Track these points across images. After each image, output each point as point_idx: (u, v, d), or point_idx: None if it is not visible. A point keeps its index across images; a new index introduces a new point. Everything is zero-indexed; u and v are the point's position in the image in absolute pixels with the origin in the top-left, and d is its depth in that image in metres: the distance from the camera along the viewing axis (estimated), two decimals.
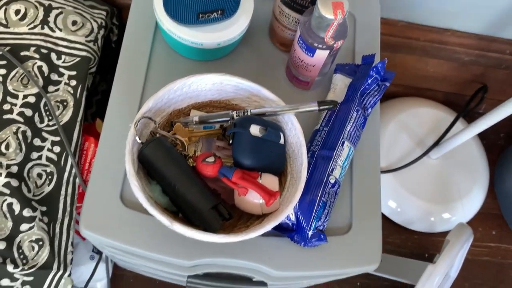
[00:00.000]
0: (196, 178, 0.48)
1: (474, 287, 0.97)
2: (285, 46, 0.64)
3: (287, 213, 0.48)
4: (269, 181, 0.49)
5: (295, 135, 0.52)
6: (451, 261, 0.66)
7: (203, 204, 0.47)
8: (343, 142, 0.56)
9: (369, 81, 0.59)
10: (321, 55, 0.54)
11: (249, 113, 0.52)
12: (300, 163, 0.51)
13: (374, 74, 0.59)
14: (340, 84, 0.62)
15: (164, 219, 0.44)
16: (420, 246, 0.97)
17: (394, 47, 0.89)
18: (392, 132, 0.97)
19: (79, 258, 0.73)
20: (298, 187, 0.49)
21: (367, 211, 0.58)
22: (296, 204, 0.52)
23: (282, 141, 0.52)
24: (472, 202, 0.97)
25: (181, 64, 0.61)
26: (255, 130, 0.50)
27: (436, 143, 0.94)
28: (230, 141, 0.51)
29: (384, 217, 0.97)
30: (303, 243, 0.53)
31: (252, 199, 0.49)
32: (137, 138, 0.48)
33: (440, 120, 0.99)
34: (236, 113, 0.52)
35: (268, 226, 0.47)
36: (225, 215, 0.47)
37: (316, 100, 0.52)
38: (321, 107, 0.51)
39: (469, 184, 0.96)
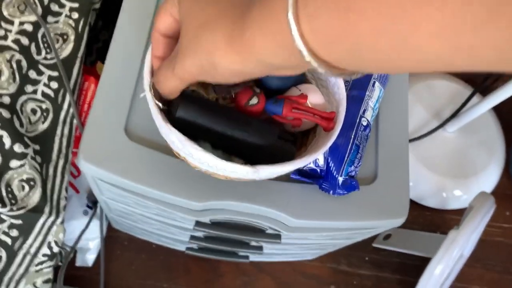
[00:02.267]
0: (245, 115, 0.42)
1: (486, 267, 0.92)
2: None
3: (343, 111, 0.42)
4: (315, 97, 0.44)
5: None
6: (475, 227, 0.62)
7: (268, 137, 0.40)
8: (374, 82, 0.51)
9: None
10: None
11: None
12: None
13: None
14: None
15: (246, 168, 0.37)
16: (432, 223, 0.92)
17: None
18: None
19: (72, 212, 0.67)
20: (335, 82, 0.44)
21: (394, 160, 0.53)
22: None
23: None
24: (487, 180, 0.93)
25: None
26: None
27: (453, 115, 0.89)
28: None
29: None
30: (332, 191, 0.48)
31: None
32: (159, 104, 0.41)
33: (457, 93, 0.95)
34: None
35: (335, 131, 0.41)
36: (290, 138, 0.41)
37: None
38: None
39: (485, 162, 0.92)
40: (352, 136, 0.48)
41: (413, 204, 0.92)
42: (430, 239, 0.77)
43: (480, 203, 0.63)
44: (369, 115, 0.50)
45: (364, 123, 0.49)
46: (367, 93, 0.50)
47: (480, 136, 0.94)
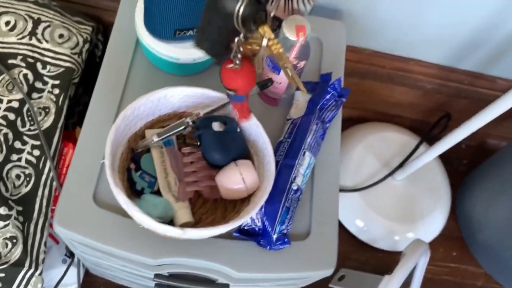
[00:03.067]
0: None
1: None
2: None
3: (271, 184, 0.53)
4: (249, 172, 0.53)
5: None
6: (406, 272, 0.70)
7: None
8: (304, 152, 0.60)
9: (327, 97, 0.65)
10: None
11: (201, 114, 0.56)
12: (263, 141, 0.56)
13: (331, 91, 0.65)
14: (301, 100, 0.67)
15: (175, 230, 0.47)
16: (384, 264, 1.01)
17: (362, 74, 0.95)
18: (360, 154, 1.02)
19: (52, 261, 0.75)
20: (269, 159, 0.55)
21: (325, 219, 0.62)
22: (262, 209, 0.57)
23: (238, 129, 0.57)
24: (433, 223, 1.02)
25: (158, 78, 0.66)
26: (217, 126, 0.55)
27: (401, 165, 0.99)
28: (198, 143, 0.56)
29: (350, 235, 1.01)
30: (268, 246, 0.57)
31: (236, 186, 0.53)
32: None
33: (406, 144, 1.05)
34: (190, 118, 0.56)
35: (262, 199, 0.51)
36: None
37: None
38: (260, 85, 0.59)
39: (431, 206, 1.01)
40: (283, 200, 0.57)
41: (366, 247, 1.01)
42: (377, 280, 0.85)
43: (412, 251, 0.72)
44: (299, 180, 0.59)
45: (295, 188, 0.58)
46: (297, 162, 0.60)
47: (427, 183, 1.04)
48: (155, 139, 0.56)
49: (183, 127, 0.57)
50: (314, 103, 0.64)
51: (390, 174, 0.98)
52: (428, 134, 1.06)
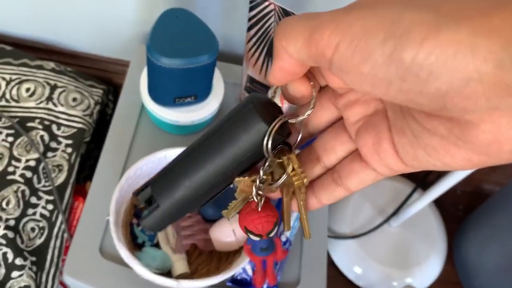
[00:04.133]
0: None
1: None
2: None
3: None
4: (237, 220, 0.58)
5: None
6: None
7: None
8: None
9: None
10: None
11: None
12: None
13: None
14: None
15: (170, 282, 0.52)
16: None
17: None
18: (356, 201, 1.07)
19: None
20: None
21: (315, 267, 0.66)
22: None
23: (232, 184, 0.61)
24: (430, 268, 1.05)
25: (161, 137, 0.73)
26: None
27: (395, 212, 1.03)
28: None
29: (348, 282, 1.04)
30: None
31: (227, 238, 0.58)
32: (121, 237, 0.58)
33: (400, 191, 1.10)
34: None
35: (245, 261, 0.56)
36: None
37: None
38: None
39: (427, 251, 1.05)
40: None
41: None
42: None
43: None
44: (288, 232, 0.64)
45: (283, 239, 0.63)
46: None
47: (422, 229, 1.07)
48: None
49: None
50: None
51: (385, 221, 1.02)
52: (423, 181, 1.10)
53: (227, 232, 0.59)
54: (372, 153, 0.24)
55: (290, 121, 0.25)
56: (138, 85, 0.75)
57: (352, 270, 1.03)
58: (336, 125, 0.27)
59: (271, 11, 0.57)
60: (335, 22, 0.19)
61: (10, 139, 0.74)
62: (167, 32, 0.60)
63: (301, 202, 0.26)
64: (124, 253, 0.53)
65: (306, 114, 0.25)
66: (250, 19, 0.60)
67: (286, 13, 0.56)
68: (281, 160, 0.25)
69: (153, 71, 0.62)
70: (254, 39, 0.61)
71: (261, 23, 0.59)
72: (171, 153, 0.64)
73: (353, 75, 0.19)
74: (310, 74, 0.25)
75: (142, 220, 0.29)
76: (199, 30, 0.61)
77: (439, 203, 1.14)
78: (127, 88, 0.77)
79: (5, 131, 0.75)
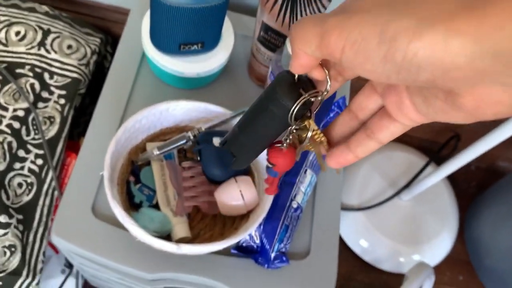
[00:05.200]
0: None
1: None
2: (262, 81, 0.69)
3: (270, 202, 0.52)
4: (248, 189, 0.53)
5: None
6: None
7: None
8: (306, 170, 0.59)
9: (331, 115, 0.64)
10: None
11: (202, 129, 0.56)
12: (263, 158, 0.55)
13: (335, 109, 0.64)
14: None
15: (169, 245, 0.46)
16: (388, 286, 0.99)
17: None
18: (366, 173, 1.01)
19: (51, 271, 0.75)
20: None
21: (326, 239, 0.61)
22: (261, 226, 0.56)
23: None
24: (440, 245, 1.00)
25: (162, 90, 0.66)
26: (217, 141, 0.55)
27: (407, 185, 0.97)
28: (198, 158, 0.55)
29: (354, 256, 0.99)
30: (266, 264, 0.56)
31: (235, 202, 0.53)
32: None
33: (413, 164, 1.04)
34: (191, 132, 0.56)
35: (261, 216, 0.51)
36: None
37: None
38: None
39: (438, 228, 0.99)
40: (282, 217, 0.56)
41: (370, 268, 0.99)
42: None
43: (415, 275, 0.71)
44: (299, 198, 0.58)
45: (295, 206, 0.58)
46: (298, 179, 0.59)
47: (434, 204, 1.02)
48: (156, 152, 0.56)
49: (184, 141, 0.56)
50: (317, 121, 0.63)
51: (397, 194, 0.97)
52: (437, 155, 1.04)
53: (234, 195, 0.53)
54: (396, 109, 0.29)
55: (312, 99, 0.30)
56: (138, 33, 0.68)
57: (358, 243, 0.98)
58: (367, 86, 0.32)
59: None
60: (339, 28, 0.24)
61: None
62: None
63: (318, 149, 0.35)
64: (119, 212, 0.47)
65: (324, 94, 0.30)
66: None
67: None
68: (304, 124, 0.32)
69: (158, 11, 0.55)
70: None
71: None
72: (174, 106, 0.57)
73: (359, 71, 0.24)
74: (325, 61, 0.30)
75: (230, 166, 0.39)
76: None
77: (451, 178, 1.09)
78: (126, 37, 0.70)
79: None
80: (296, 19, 0.56)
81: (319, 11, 0.54)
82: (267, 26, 0.60)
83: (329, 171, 0.65)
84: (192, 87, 0.67)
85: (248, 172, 0.58)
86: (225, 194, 0.54)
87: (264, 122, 0.33)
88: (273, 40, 0.61)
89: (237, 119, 0.57)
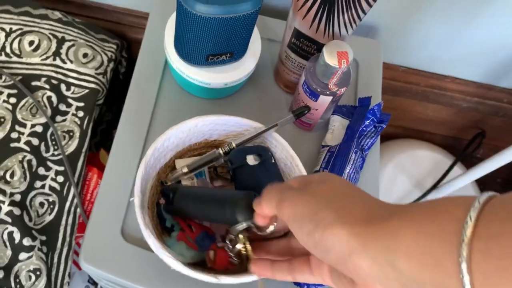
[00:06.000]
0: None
1: None
2: (289, 88, 0.66)
3: None
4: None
5: (282, 150, 0.54)
6: None
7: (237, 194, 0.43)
8: None
9: (366, 122, 0.61)
10: (324, 100, 0.56)
11: (233, 145, 0.53)
12: (299, 173, 0.52)
13: (370, 116, 0.61)
14: (337, 125, 0.63)
15: (208, 277, 0.43)
16: None
17: (395, 91, 0.91)
18: (390, 173, 0.98)
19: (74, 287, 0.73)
20: None
21: None
22: None
23: (273, 160, 0.53)
24: None
25: (188, 101, 0.63)
26: (251, 160, 0.51)
27: (434, 186, 0.95)
28: (231, 178, 0.52)
29: None
30: (306, 286, 0.54)
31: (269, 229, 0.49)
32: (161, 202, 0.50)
33: (438, 162, 1.01)
34: (222, 149, 0.53)
35: None
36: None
37: (290, 111, 0.54)
38: (296, 113, 0.55)
39: None
40: None
41: None
42: None
43: None
44: None
45: None
46: None
47: None
48: (185, 170, 0.53)
49: (215, 158, 0.53)
50: (353, 130, 0.60)
51: (424, 196, 0.94)
52: (462, 153, 1.01)
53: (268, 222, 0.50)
54: (316, 268, 0.35)
55: (257, 232, 0.39)
56: (159, 39, 0.64)
57: None
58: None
59: None
60: (290, 200, 0.33)
61: (13, 100, 0.64)
62: None
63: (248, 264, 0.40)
64: (153, 243, 0.44)
65: (268, 231, 0.38)
66: None
67: None
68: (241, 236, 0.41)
69: (185, 21, 0.51)
70: None
71: None
72: (202, 121, 0.54)
73: (295, 233, 0.32)
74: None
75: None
76: None
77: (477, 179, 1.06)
78: (147, 44, 0.66)
79: (7, 91, 0.65)
80: (333, 26, 0.53)
81: (358, 17, 0.51)
82: (300, 33, 0.56)
83: (365, 180, 0.62)
84: (219, 97, 0.64)
85: None
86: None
87: (214, 210, 0.43)
88: (306, 47, 0.57)
89: (269, 132, 0.54)
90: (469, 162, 1.03)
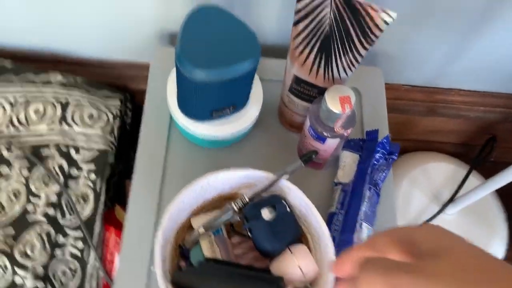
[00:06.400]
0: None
1: None
2: (295, 127, 0.66)
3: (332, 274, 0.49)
4: (306, 260, 0.50)
5: (295, 196, 0.54)
6: None
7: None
8: (361, 224, 0.56)
9: (377, 156, 0.61)
10: (332, 142, 0.56)
11: (246, 199, 0.53)
12: (316, 220, 0.52)
13: (380, 150, 0.61)
14: (348, 161, 0.63)
15: None
16: None
17: (400, 110, 0.90)
18: (405, 190, 0.97)
19: None
20: (326, 243, 0.50)
21: None
22: None
23: (288, 208, 0.53)
24: None
25: (196, 153, 0.63)
26: (266, 214, 0.51)
27: (451, 199, 0.94)
28: (249, 235, 0.52)
29: None
30: None
31: (293, 275, 0.50)
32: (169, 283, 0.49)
33: (452, 172, 1.00)
34: (235, 204, 0.53)
35: None
36: None
37: (298, 157, 0.54)
38: (304, 159, 0.54)
39: (486, 240, 0.96)
40: None
41: None
42: None
43: None
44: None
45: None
46: (355, 236, 0.56)
47: (480, 215, 0.98)
48: (202, 231, 0.53)
49: (229, 214, 0.53)
50: (364, 166, 0.60)
51: (442, 210, 0.93)
52: (476, 160, 1.00)
53: (292, 268, 0.50)
54: None
55: None
56: (162, 94, 0.65)
57: None
58: None
59: (325, 0, 0.46)
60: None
61: (25, 172, 0.65)
62: (198, 36, 0.49)
63: None
64: None
65: None
66: (298, 12, 0.49)
67: (347, 3, 0.45)
68: None
69: (186, 85, 0.52)
70: (303, 34, 0.50)
71: (312, 16, 0.48)
72: (213, 178, 0.54)
73: None
74: None
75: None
76: (235, 29, 0.51)
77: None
78: (150, 99, 0.67)
79: (18, 164, 0.66)
80: (332, 71, 0.53)
81: (356, 60, 0.51)
82: (299, 79, 0.56)
83: (382, 213, 0.62)
84: (227, 145, 0.64)
85: (300, 235, 0.55)
86: (282, 268, 0.51)
87: None
88: (307, 91, 0.58)
89: (282, 181, 0.54)
90: (483, 168, 1.02)
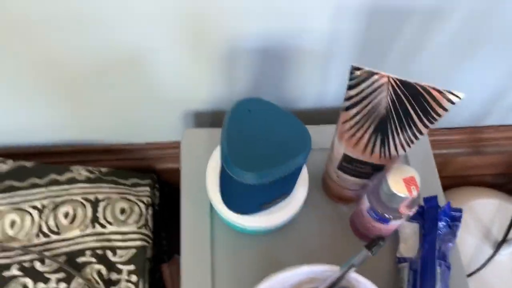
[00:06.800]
0: None
1: None
2: (344, 200, 0.62)
3: None
4: None
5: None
6: None
7: None
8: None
9: (440, 225, 0.56)
10: (396, 223, 0.52)
11: None
12: None
13: (443, 217, 0.56)
14: (409, 232, 0.58)
15: None
16: None
17: (436, 151, 0.86)
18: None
19: None
20: None
21: None
22: None
23: None
24: None
25: (244, 241, 0.59)
26: None
27: (505, 239, 0.88)
28: None
29: None
30: None
31: None
32: None
33: (500, 207, 0.95)
34: None
35: None
36: None
37: (363, 245, 0.49)
38: (371, 248, 0.49)
39: None
40: None
41: None
42: None
43: None
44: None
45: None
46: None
47: None
48: None
49: None
50: (431, 239, 0.55)
51: (496, 252, 0.88)
52: None
53: None
54: None
55: None
56: (197, 180, 0.61)
57: None
58: None
59: (381, 85, 0.42)
60: None
61: (63, 285, 0.60)
62: (244, 132, 0.45)
63: None
64: None
65: None
66: (349, 98, 0.45)
67: (404, 85, 0.41)
68: None
69: (234, 185, 0.47)
70: (357, 118, 0.47)
71: (367, 100, 0.44)
72: (274, 279, 0.50)
73: None
74: None
75: None
76: (281, 122, 0.47)
77: None
78: (186, 185, 0.62)
79: (54, 276, 0.61)
80: (389, 150, 0.49)
81: (416, 137, 0.47)
82: (351, 158, 0.52)
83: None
84: (275, 231, 0.60)
85: None
86: None
87: None
88: (360, 169, 0.53)
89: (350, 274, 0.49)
90: None
